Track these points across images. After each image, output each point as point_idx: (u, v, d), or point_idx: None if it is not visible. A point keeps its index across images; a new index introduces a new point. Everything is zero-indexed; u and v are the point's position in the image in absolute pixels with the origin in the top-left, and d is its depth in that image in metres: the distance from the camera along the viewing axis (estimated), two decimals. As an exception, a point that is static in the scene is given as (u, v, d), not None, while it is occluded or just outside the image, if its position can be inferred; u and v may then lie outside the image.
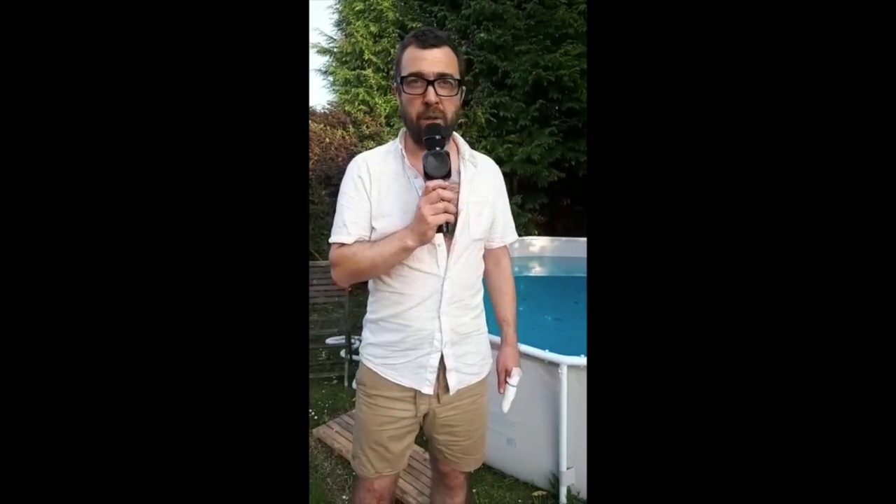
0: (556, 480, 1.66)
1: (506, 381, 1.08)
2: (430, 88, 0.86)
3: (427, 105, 0.86)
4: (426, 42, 0.87)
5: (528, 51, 4.68)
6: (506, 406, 1.07)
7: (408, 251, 0.86)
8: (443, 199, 0.80)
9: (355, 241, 0.91)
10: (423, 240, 0.84)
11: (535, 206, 4.97)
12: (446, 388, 0.97)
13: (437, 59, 0.87)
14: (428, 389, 0.95)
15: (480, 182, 0.98)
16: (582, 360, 1.59)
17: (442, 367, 0.96)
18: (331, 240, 0.94)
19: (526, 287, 4.27)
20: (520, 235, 5.00)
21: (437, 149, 0.83)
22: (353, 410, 1.07)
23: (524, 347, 1.66)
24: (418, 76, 0.86)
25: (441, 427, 1.01)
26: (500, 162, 4.90)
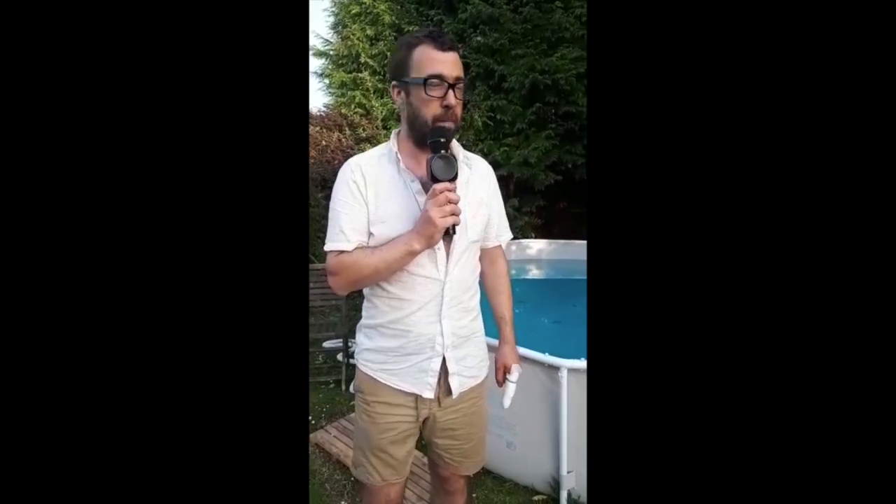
0: (556, 484, 1.65)
1: (505, 378, 1.09)
2: (451, 92, 0.86)
3: (447, 108, 0.86)
4: (445, 44, 0.87)
5: (525, 54, 4.70)
6: (506, 402, 1.08)
7: (413, 255, 0.85)
8: (450, 202, 0.80)
9: (355, 249, 0.89)
10: (430, 243, 0.83)
11: (531, 209, 4.98)
12: (447, 392, 0.97)
13: (455, 63, 0.87)
14: (429, 394, 0.95)
15: (476, 183, 0.99)
16: (582, 364, 1.58)
17: (443, 370, 0.95)
18: (327, 248, 0.90)
19: (523, 290, 4.27)
20: (517, 238, 5.03)
21: (443, 151, 0.82)
22: (352, 414, 1.06)
23: (524, 351, 1.65)
24: (441, 78, 0.85)
25: (441, 430, 1.01)
26: (496, 165, 4.91)
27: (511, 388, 1.08)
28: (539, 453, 1.69)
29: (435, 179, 0.81)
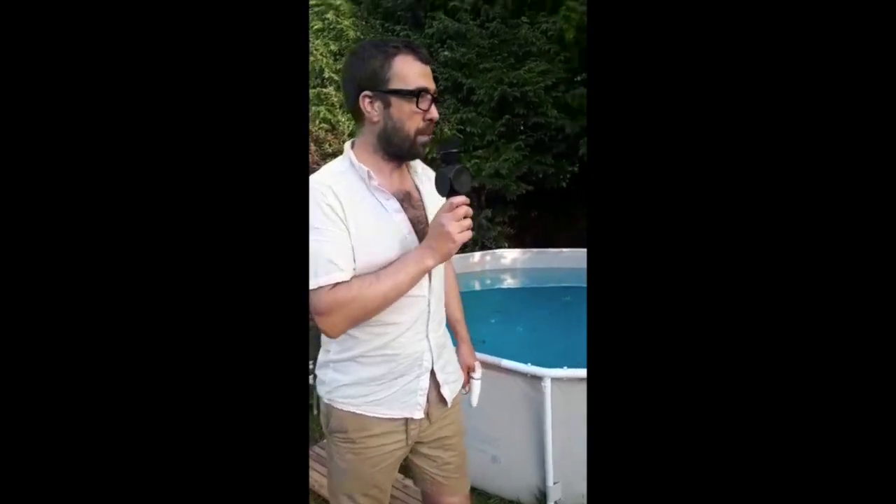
0: (542, 496, 1.62)
1: (470, 377, 1.10)
2: (434, 106, 0.85)
3: (430, 122, 0.85)
4: (425, 57, 0.86)
5: (493, 68, 4.78)
6: (474, 400, 1.09)
7: (425, 273, 0.81)
8: (466, 216, 0.77)
9: (352, 279, 0.80)
10: (444, 259, 0.80)
11: (504, 219, 5.02)
12: (439, 402, 0.94)
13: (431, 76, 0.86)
14: (419, 414, 0.91)
15: (435, 194, 0.98)
16: (565, 373, 1.57)
17: (431, 385, 0.93)
18: (317, 283, 0.77)
19: (499, 299, 4.26)
20: (490, 248, 5.04)
21: (458, 164, 0.79)
22: (324, 442, 1.00)
23: (505, 362, 1.63)
24: (427, 91, 0.84)
25: (436, 443, 0.97)
26: (468, 176, 4.95)
27: (477, 386, 1.09)
28: (524, 466, 1.66)
29: (453, 193, 0.77)
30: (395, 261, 0.81)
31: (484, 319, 3.47)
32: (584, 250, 4.60)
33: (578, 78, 4.64)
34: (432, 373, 0.92)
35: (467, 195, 0.77)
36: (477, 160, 4.76)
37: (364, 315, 0.80)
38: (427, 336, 0.91)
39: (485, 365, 1.70)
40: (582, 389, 1.60)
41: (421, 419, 0.92)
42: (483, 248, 4.75)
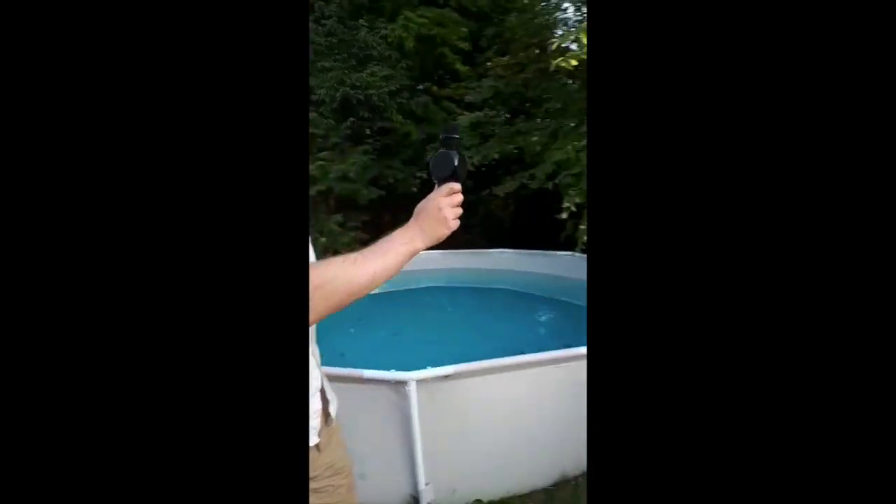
0: (415, 501, 1.60)
1: None
2: None
3: None
4: None
5: (332, 68, 4.64)
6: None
7: (413, 256, 0.73)
8: (459, 205, 0.73)
9: (328, 258, 0.72)
10: (433, 244, 0.74)
11: (357, 224, 4.91)
12: (326, 423, 0.85)
13: None
14: (315, 438, 0.81)
15: None
16: (429, 373, 1.58)
17: (322, 405, 0.83)
18: None
19: (357, 307, 4.10)
20: (344, 254, 4.88)
21: (457, 150, 0.74)
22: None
23: (367, 373, 1.56)
24: None
25: (328, 470, 0.87)
26: (312, 180, 4.68)
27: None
28: (394, 475, 1.63)
29: (454, 177, 0.73)
30: (377, 242, 0.72)
31: (343, 330, 3.30)
32: (440, 252, 4.81)
33: (421, 86, 4.82)
34: (321, 391, 0.83)
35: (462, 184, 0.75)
36: (321, 162, 4.54)
37: (347, 297, 0.70)
38: (313, 352, 0.81)
39: (346, 378, 1.61)
40: (447, 387, 1.63)
41: (315, 445, 0.82)
42: (335, 254, 4.57)
